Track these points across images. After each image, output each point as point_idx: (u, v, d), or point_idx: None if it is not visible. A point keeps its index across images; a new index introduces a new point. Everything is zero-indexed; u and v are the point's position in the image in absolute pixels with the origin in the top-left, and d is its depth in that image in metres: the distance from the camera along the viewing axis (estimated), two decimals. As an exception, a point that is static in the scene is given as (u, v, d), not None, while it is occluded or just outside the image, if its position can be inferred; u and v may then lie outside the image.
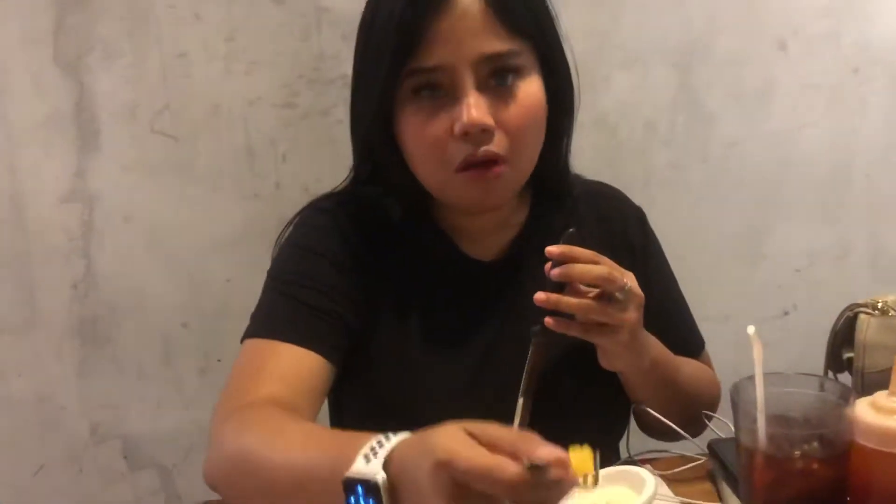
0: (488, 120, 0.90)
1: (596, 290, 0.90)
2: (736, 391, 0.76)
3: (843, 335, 1.01)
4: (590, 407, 1.04)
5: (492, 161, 0.92)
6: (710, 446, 0.99)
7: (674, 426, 1.00)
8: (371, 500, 0.64)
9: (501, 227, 1.06)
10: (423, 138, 0.93)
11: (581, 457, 0.74)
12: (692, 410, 1.06)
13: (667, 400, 1.03)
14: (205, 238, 1.68)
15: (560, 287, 0.90)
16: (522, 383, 0.90)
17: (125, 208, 1.66)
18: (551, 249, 0.90)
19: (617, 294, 0.90)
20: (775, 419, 0.73)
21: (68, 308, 1.67)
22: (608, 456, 1.03)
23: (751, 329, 0.71)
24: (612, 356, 0.96)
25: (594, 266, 0.89)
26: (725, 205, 1.85)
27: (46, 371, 1.69)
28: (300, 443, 0.76)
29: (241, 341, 0.97)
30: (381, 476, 0.63)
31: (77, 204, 1.64)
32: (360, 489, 0.64)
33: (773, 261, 1.89)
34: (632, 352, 0.95)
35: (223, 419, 0.86)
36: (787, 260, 1.89)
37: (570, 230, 0.93)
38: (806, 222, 1.89)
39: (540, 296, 0.89)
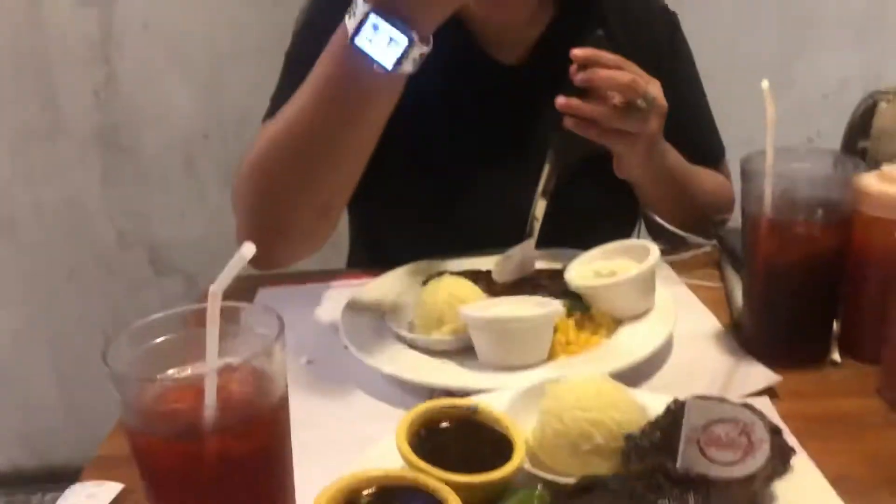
0: None
1: (619, 96, 0.89)
2: (747, 160, 0.77)
3: (861, 125, 0.99)
4: (603, 209, 1.05)
5: None
6: (717, 233, 1.01)
7: (681, 233, 1.01)
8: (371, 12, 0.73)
9: (526, 27, 1.03)
10: None
11: None
12: (702, 217, 1.06)
13: (677, 207, 1.04)
14: (225, 46, 1.66)
15: (583, 91, 0.88)
16: (540, 184, 0.91)
17: (144, 13, 1.64)
18: (577, 52, 0.87)
19: (639, 102, 0.88)
20: (782, 186, 0.74)
21: (91, 115, 1.69)
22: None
23: (765, 83, 0.70)
24: (627, 165, 0.96)
25: (618, 72, 0.87)
26: (759, 25, 1.79)
27: (72, 177, 1.73)
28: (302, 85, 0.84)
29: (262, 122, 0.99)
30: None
31: (94, 8, 1.62)
32: (359, 29, 0.74)
33: (802, 85, 1.84)
34: (648, 161, 0.95)
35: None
36: (815, 85, 1.85)
37: (598, 33, 0.90)
38: (838, 47, 1.83)
39: (560, 100, 0.88)
